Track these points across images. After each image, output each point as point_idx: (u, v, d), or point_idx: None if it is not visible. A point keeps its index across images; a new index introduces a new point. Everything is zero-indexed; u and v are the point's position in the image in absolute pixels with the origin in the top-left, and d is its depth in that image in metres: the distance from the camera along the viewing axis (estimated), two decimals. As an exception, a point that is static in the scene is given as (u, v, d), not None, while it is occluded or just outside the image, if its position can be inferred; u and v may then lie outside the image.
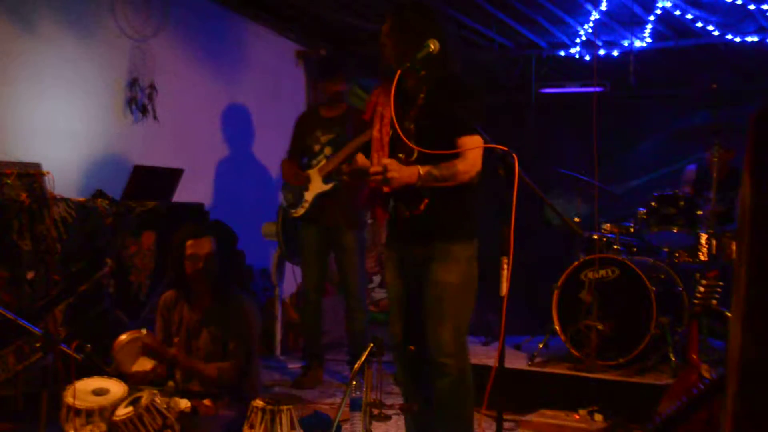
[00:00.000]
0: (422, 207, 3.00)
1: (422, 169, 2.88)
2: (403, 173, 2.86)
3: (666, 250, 5.05)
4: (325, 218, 4.93)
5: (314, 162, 4.96)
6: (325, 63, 5.36)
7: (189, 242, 3.47)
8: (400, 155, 3.00)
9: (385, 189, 2.99)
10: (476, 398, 3.10)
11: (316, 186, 4.92)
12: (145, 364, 3.35)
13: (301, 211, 4.95)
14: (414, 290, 3.12)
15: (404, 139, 2.84)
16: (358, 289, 5.04)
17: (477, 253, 3.08)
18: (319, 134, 4.98)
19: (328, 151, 4.93)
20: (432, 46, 2.85)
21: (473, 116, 2.90)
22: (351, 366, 5.09)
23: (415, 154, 2.97)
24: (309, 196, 4.93)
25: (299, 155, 5.08)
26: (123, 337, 3.36)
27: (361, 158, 2.99)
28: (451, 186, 2.92)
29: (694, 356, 3.29)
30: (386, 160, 2.90)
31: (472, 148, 2.90)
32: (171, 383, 3.47)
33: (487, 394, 2.65)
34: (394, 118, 2.86)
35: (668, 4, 5.72)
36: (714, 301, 3.38)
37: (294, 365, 5.53)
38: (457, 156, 2.90)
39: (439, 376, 3.02)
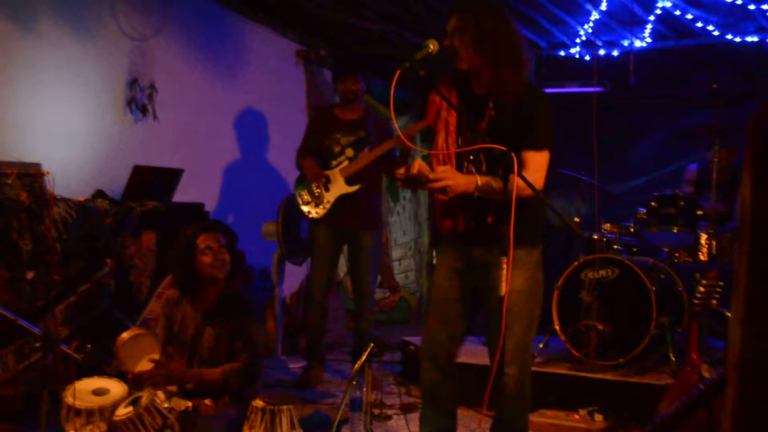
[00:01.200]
0: (489, 221, 2.89)
1: (480, 180, 2.76)
2: (458, 181, 2.75)
3: (666, 250, 5.05)
4: (343, 220, 4.91)
5: (334, 163, 4.93)
6: (336, 63, 5.31)
7: (201, 236, 3.48)
8: (472, 168, 2.88)
9: (442, 198, 2.89)
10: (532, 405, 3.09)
11: (339, 187, 4.89)
12: (147, 364, 3.35)
13: (322, 212, 4.91)
14: (465, 291, 3.03)
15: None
16: (370, 291, 5.05)
17: (541, 260, 2.98)
18: (339, 136, 4.95)
19: (350, 152, 4.91)
20: (431, 47, 2.80)
21: (546, 132, 2.83)
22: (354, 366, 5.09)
23: (484, 167, 2.86)
24: (330, 197, 4.89)
25: (312, 154, 5.04)
26: (124, 335, 3.36)
27: (418, 164, 2.81)
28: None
29: (694, 356, 3.29)
30: (442, 167, 2.79)
31: (476, 146, 2.84)
32: (171, 383, 3.47)
33: (487, 394, 2.64)
34: (395, 123, 2.84)
35: (668, 4, 5.73)
36: (714, 301, 3.39)
37: (294, 365, 5.53)
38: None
39: (499, 384, 2.90)
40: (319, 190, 4.92)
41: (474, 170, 2.89)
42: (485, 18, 2.83)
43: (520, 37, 2.92)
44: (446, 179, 2.73)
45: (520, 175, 2.59)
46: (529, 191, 2.69)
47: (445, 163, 2.91)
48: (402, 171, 2.81)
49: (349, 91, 4.93)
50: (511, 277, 2.84)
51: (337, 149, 4.95)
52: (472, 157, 2.90)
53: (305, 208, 4.96)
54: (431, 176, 2.74)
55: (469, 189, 2.77)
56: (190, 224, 3.61)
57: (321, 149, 5.00)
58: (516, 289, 2.82)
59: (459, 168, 2.89)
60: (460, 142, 2.91)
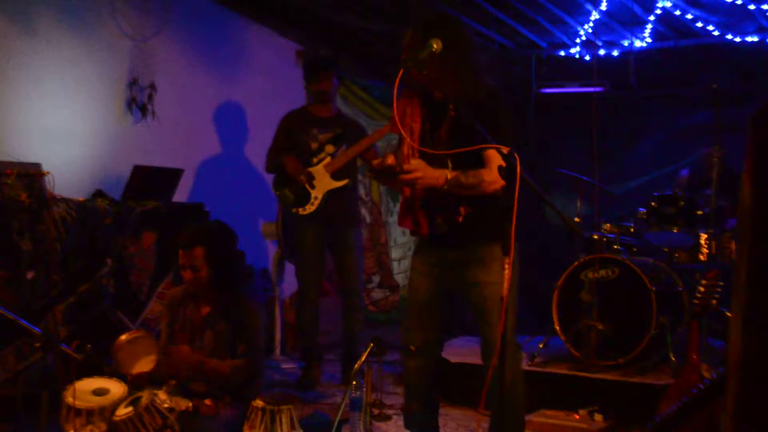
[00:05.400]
0: (461, 219, 2.99)
1: (450, 174, 2.86)
2: (429, 174, 2.85)
3: (666, 250, 5.05)
4: (328, 216, 4.91)
5: (315, 160, 4.93)
6: (308, 64, 5.30)
7: (180, 252, 3.47)
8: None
9: (407, 191, 2.99)
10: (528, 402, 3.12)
11: (326, 183, 4.88)
12: (145, 365, 3.35)
13: (311, 209, 4.89)
14: (444, 294, 3.11)
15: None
16: (359, 288, 5.05)
17: (518, 255, 3.00)
18: (316, 132, 4.95)
19: (330, 149, 4.91)
20: (435, 46, 2.84)
21: (506, 130, 2.89)
22: (345, 364, 5.08)
23: (450, 166, 2.94)
24: (318, 193, 4.88)
25: (286, 152, 5.02)
26: (123, 337, 3.36)
27: (391, 158, 2.93)
28: (477, 195, 2.91)
29: (694, 356, 3.29)
30: (414, 160, 2.88)
31: (484, 147, 2.86)
32: (172, 382, 3.46)
33: (484, 393, 2.65)
34: (397, 121, 2.85)
35: (668, 4, 5.73)
36: (714, 301, 3.38)
37: (293, 365, 5.53)
38: (483, 165, 2.89)
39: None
40: (301, 189, 4.91)
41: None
42: (440, 32, 2.91)
43: (475, 43, 3.09)
44: (417, 171, 2.82)
45: (521, 175, 2.60)
46: (497, 185, 2.81)
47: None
48: (376, 162, 2.91)
49: (322, 92, 4.95)
50: (488, 271, 2.95)
51: (314, 146, 4.94)
52: (439, 161, 2.96)
53: (293, 208, 4.95)
54: (404, 167, 2.83)
55: (438, 182, 2.86)
56: (181, 231, 3.53)
57: (298, 147, 4.98)
58: (493, 281, 2.93)
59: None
60: (423, 144, 2.99)
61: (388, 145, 6.30)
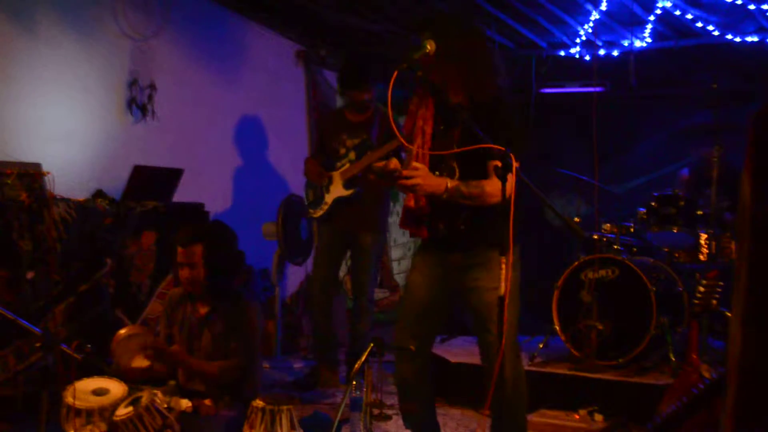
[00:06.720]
0: (462, 226, 2.97)
1: (450, 183, 2.83)
2: (429, 181, 2.81)
3: (666, 250, 5.05)
4: (343, 221, 4.92)
5: (338, 165, 4.94)
6: (349, 72, 4.99)
7: (178, 249, 3.46)
8: (444, 175, 2.95)
9: (409, 204, 2.97)
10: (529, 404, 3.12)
11: (337, 189, 4.90)
12: (144, 360, 3.35)
13: (320, 212, 4.95)
14: (443, 296, 3.10)
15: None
16: (369, 291, 5.04)
17: (520, 258, 3.03)
18: (345, 137, 4.94)
19: (352, 155, 4.89)
20: (428, 47, 2.83)
21: (511, 138, 2.85)
22: (349, 365, 5.09)
23: (457, 174, 2.93)
24: (329, 198, 4.91)
25: (322, 155, 5.05)
26: (122, 331, 3.36)
27: (394, 162, 2.89)
28: (477, 206, 2.88)
29: (694, 356, 3.29)
30: (416, 164, 2.85)
31: (476, 144, 2.84)
32: (172, 382, 3.47)
33: (490, 395, 2.65)
34: (393, 124, 2.84)
35: (668, 4, 5.72)
36: (714, 301, 3.38)
37: (294, 365, 5.52)
38: (486, 177, 2.86)
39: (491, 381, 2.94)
40: (319, 192, 4.96)
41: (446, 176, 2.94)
42: (457, 34, 2.92)
43: (491, 48, 3.10)
44: (417, 177, 2.80)
45: (517, 175, 2.60)
46: (498, 197, 2.70)
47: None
48: (380, 165, 2.88)
49: (363, 101, 4.87)
50: (489, 276, 2.90)
51: (342, 151, 4.94)
52: (446, 164, 2.96)
53: (309, 208, 5.03)
54: (404, 173, 2.80)
55: (438, 190, 2.84)
56: (180, 230, 3.53)
57: (329, 150, 5.01)
58: (494, 286, 2.82)
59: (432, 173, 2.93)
60: (432, 148, 2.97)
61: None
